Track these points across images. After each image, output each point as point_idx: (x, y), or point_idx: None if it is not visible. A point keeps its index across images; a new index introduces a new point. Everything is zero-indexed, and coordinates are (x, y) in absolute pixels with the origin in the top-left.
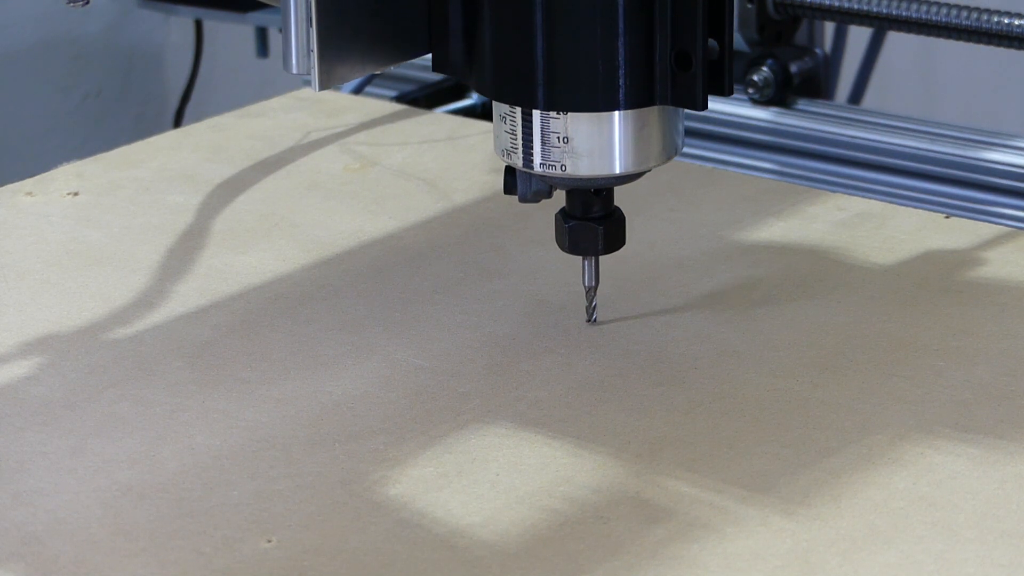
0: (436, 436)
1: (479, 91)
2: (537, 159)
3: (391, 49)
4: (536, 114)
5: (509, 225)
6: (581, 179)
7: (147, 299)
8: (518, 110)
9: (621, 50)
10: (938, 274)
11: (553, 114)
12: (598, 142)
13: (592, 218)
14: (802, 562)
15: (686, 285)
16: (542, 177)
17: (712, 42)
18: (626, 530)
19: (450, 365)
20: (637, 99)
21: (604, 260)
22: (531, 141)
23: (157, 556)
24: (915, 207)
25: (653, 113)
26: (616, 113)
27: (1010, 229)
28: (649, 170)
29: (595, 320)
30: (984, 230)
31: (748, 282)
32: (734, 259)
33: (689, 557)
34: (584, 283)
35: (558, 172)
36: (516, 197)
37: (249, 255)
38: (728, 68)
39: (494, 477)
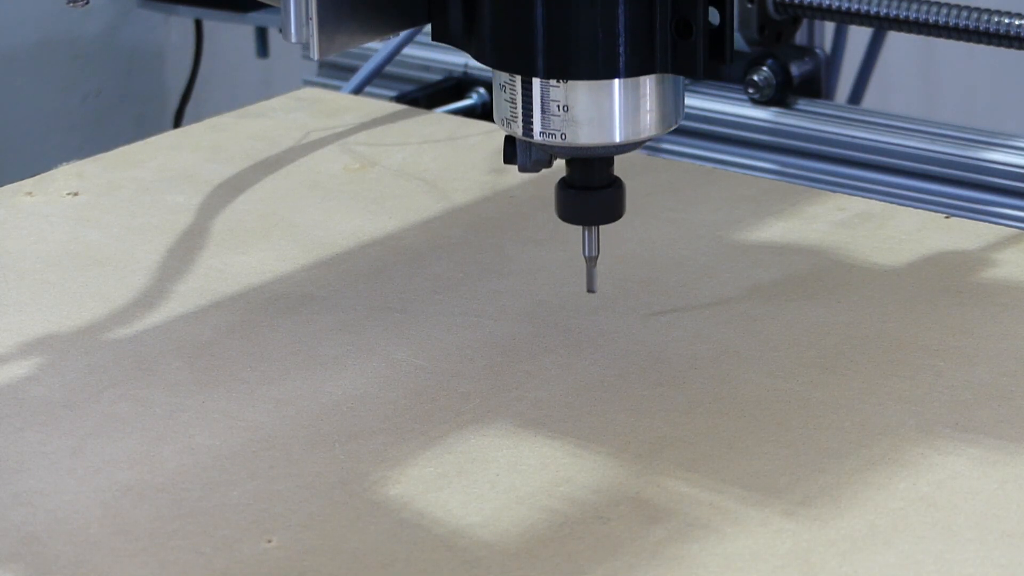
0: (436, 436)
1: (479, 59)
2: (537, 128)
3: (391, 18)
4: (536, 82)
5: (509, 225)
6: (581, 148)
7: (147, 299)
8: (518, 78)
9: (621, 17)
10: (938, 274)
11: (553, 82)
12: (598, 110)
13: (592, 187)
14: (802, 562)
15: (686, 285)
16: (542, 146)
17: (713, 10)
18: (626, 530)
19: (450, 365)
20: (637, 67)
21: (604, 261)
22: (531, 110)
23: (157, 556)
24: (915, 207)
25: (653, 81)
26: (616, 81)
27: (1010, 229)
28: (650, 139)
29: (595, 290)
30: (984, 230)
31: (748, 282)
32: (734, 259)
33: (689, 557)
34: (584, 253)
35: (558, 141)
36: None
37: (249, 255)
38: (729, 36)
39: (494, 477)
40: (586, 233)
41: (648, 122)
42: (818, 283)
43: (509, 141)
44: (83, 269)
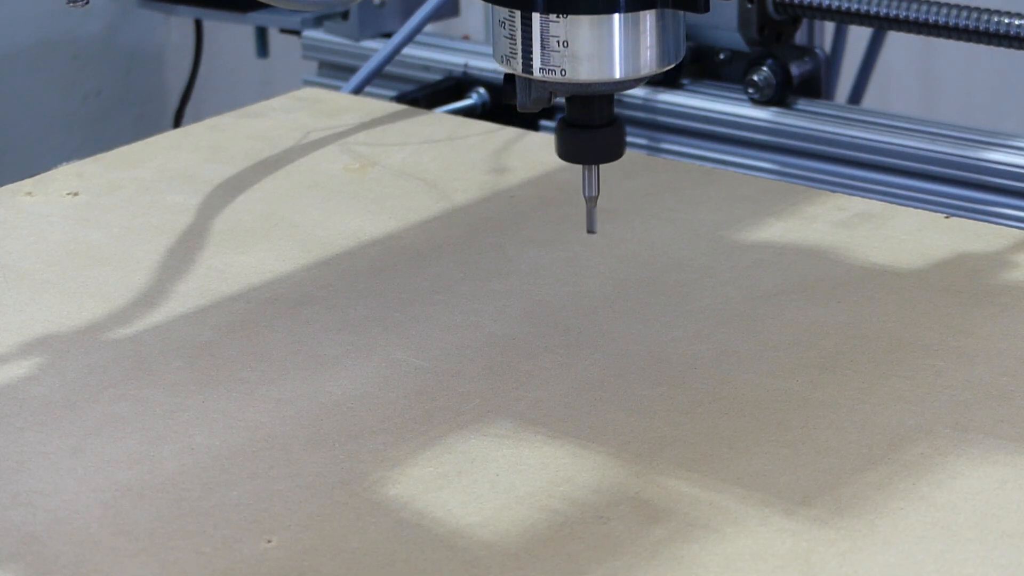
0: (436, 436)
1: None
2: (537, 64)
3: None
4: (536, 17)
5: (509, 225)
6: (581, 84)
7: (147, 299)
8: (517, 14)
9: None
10: (938, 274)
11: (553, 17)
12: (598, 46)
13: (592, 125)
14: (802, 562)
15: (686, 285)
16: (542, 83)
17: None
18: (626, 530)
19: (450, 365)
20: (637, 2)
21: (603, 262)
22: (531, 46)
23: (157, 556)
24: (915, 207)
25: (654, 17)
26: (616, 16)
27: (1010, 229)
28: (650, 76)
29: (595, 231)
30: (984, 230)
31: (748, 282)
32: (734, 259)
33: (689, 557)
34: (584, 193)
35: (558, 77)
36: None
37: (249, 255)
38: None
39: (494, 477)
40: (586, 172)
41: (648, 58)
42: (818, 283)
43: (508, 80)
44: (83, 269)
